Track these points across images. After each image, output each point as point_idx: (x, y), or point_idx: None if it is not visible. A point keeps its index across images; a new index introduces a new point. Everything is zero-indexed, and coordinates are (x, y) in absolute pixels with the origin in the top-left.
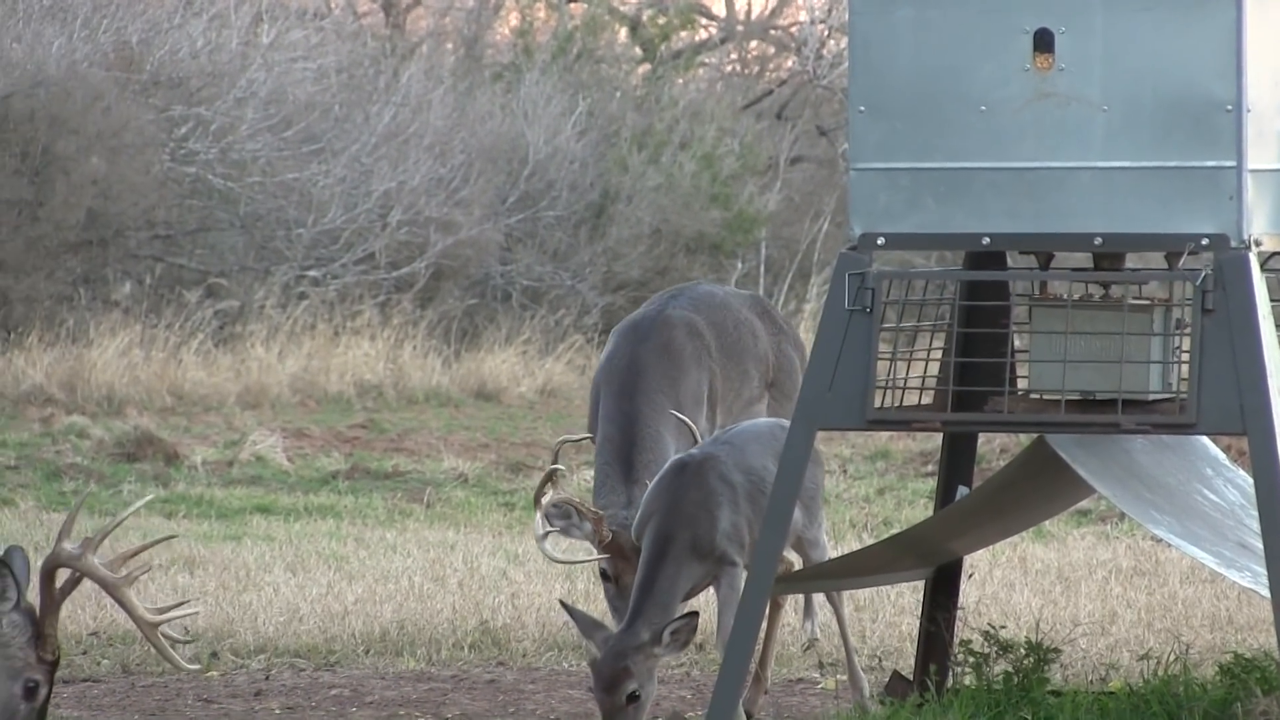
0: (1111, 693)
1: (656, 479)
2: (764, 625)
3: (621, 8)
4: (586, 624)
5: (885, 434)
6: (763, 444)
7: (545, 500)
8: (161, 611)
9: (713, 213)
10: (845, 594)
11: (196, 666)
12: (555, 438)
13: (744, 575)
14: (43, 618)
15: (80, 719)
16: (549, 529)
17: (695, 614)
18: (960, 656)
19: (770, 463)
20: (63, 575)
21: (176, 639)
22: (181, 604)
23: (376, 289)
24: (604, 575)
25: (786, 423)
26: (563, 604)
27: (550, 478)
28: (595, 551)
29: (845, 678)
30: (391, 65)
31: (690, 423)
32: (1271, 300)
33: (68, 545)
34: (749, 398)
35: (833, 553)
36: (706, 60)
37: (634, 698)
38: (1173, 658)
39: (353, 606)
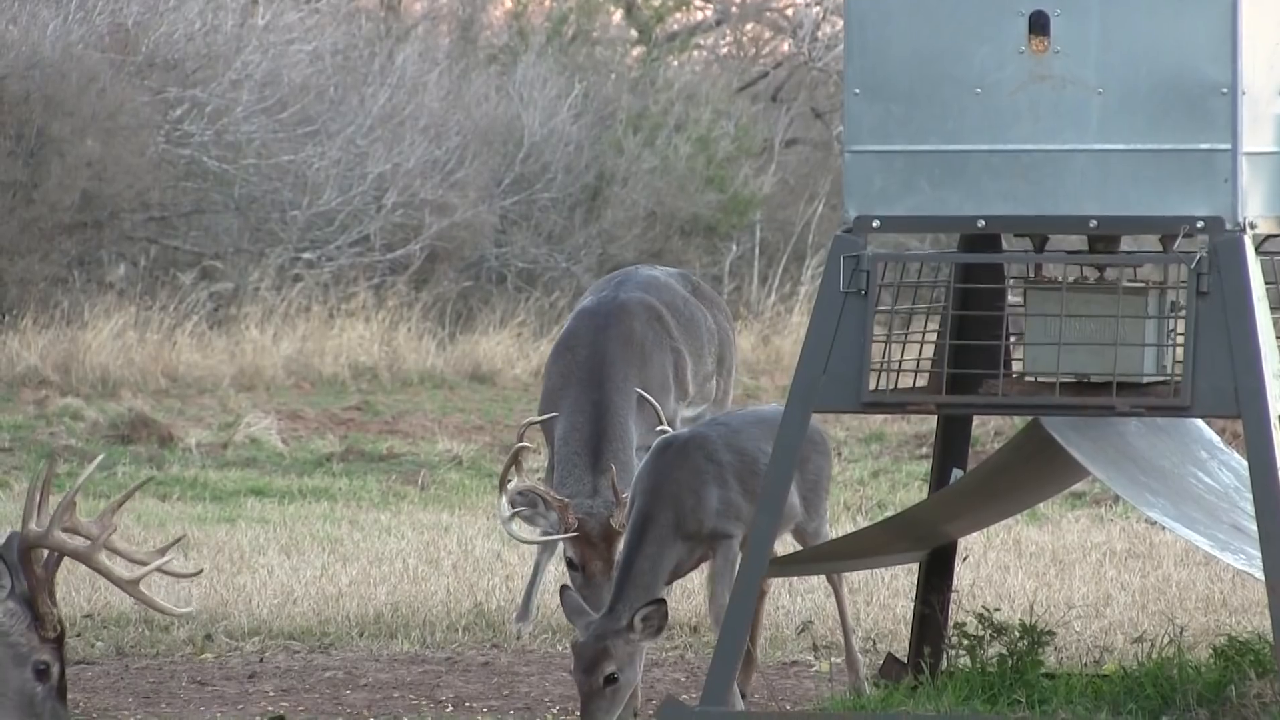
0: (1105, 675)
1: (643, 462)
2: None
3: None
4: (573, 608)
5: (880, 416)
6: (762, 428)
7: (511, 486)
8: (150, 560)
9: (708, 195)
10: (842, 576)
11: (189, 609)
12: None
13: (738, 548)
14: (34, 597)
15: (75, 701)
16: (514, 511)
17: (663, 601)
18: (954, 639)
19: (767, 445)
20: (44, 553)
21: (180, 574)
22: (165, 554)
23: (371, 271)
24: (570, 564)
25: None
26: (563, 588)
27: (516, 457)
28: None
29: (840, 660)
30: (387, 47)
31: (655, 403)
32: (1266, 283)
33: (33, 524)
34: (705, 374)
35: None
36: (702, 43)
37: (611, 680)
38: (1167, 640)
39: (347, 589)
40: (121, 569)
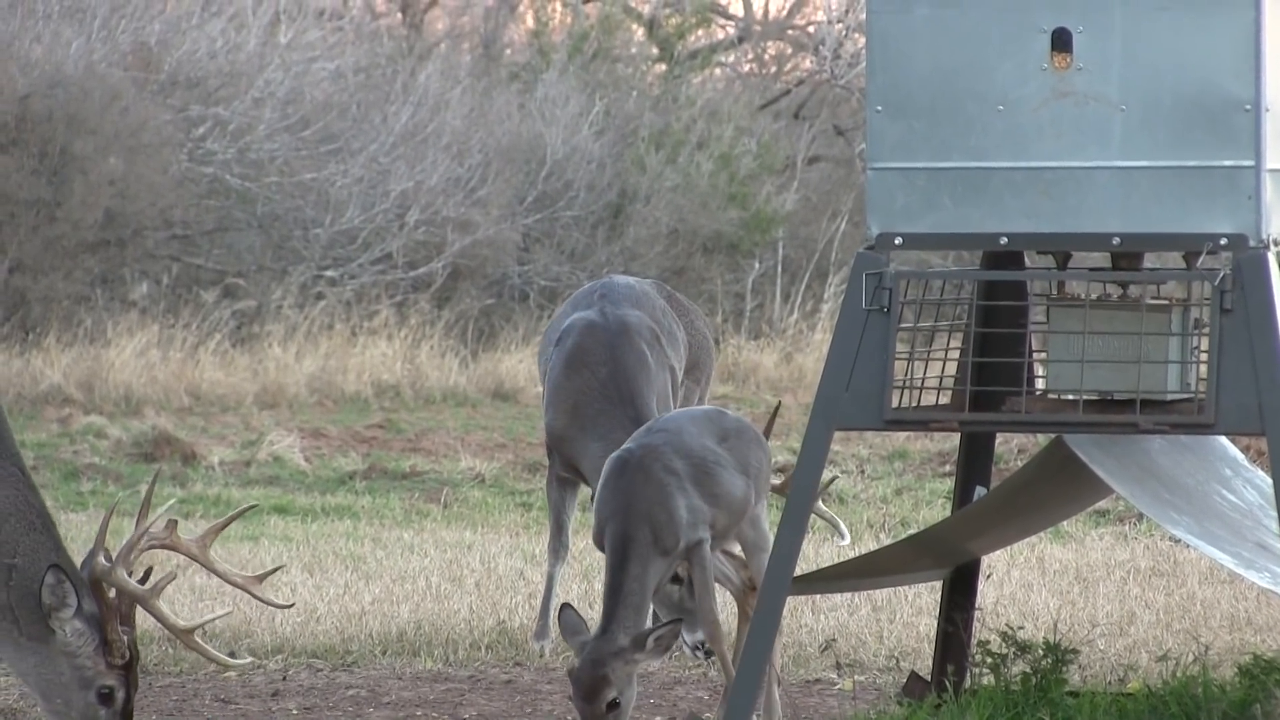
0: (1130, 694)
1: (601, 482)
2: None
3: (637, 7)
4: (570, 628)
5: (903, 434)
6: (699, 426)
7: None
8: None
9: (730, 212)
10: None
11: (249, 660)
12: None
13: (709, 549)
14: (103, 625)
15: None
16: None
17: (679, 621)
18: (978, 657)
19: (710, 442)
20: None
21: (275, 604)
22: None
23: (394, 289)
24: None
25: (721, 409)
26: (564, 606)
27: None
28: None
29: (863, 679)
30: (409, 65)
31: None
32: None
33: (101, 560)
34: (678, 382)
35: (851, 553)
36: (723, 60)
37: (614, 705)
38: (1191, 659)
39: (370, 607)
40: (177, 618)
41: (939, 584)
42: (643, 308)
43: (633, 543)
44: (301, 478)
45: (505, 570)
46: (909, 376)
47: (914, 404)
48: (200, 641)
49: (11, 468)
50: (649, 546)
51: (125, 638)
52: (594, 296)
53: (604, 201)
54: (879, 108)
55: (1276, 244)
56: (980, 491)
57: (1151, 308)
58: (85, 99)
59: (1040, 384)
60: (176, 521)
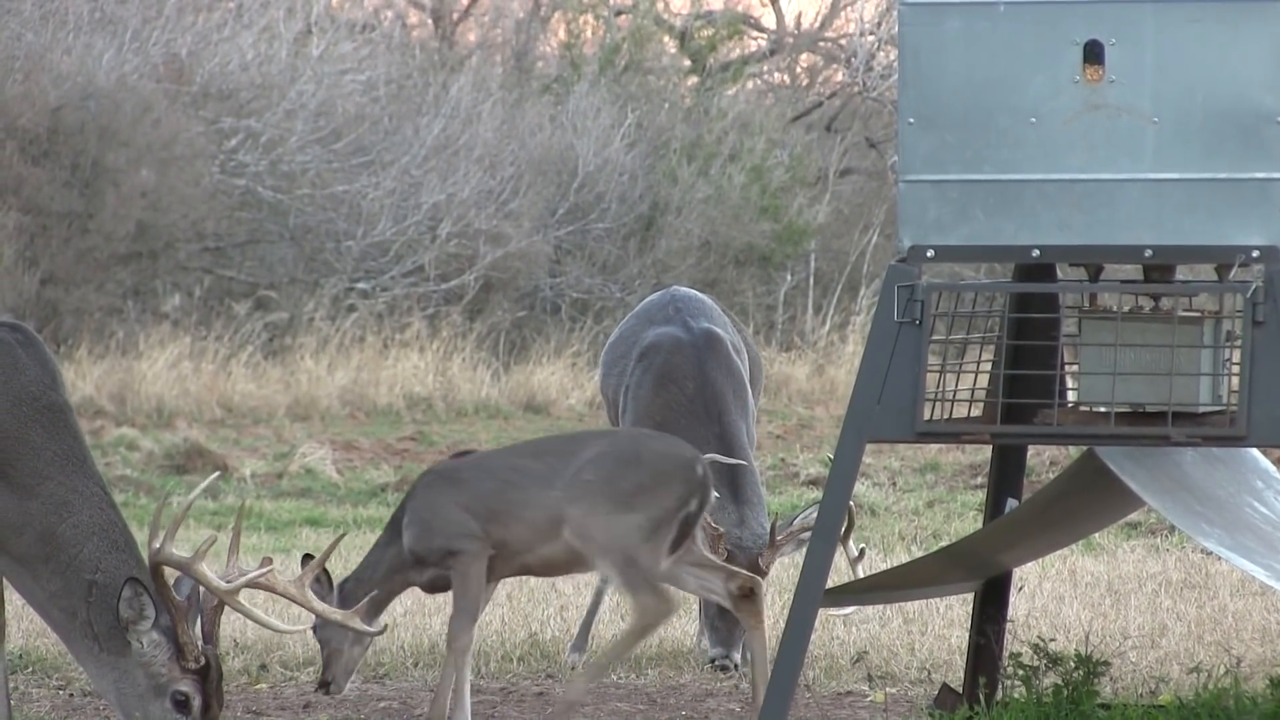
0: (1161, 706)
1: None
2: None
3: (669, 19)
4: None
5: (934, 446)
6: (531, 447)
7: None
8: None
9: (762, 224)
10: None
11: (301, 627)
12: None
13: (470, 565)
14: (174, 625)
15: None
16: None
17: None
18: (1009, 669)
19: (525, 461)
20: (189, 581)
21: (368, 631)
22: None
23: (425, 301)
24: None
25: (653, 433)
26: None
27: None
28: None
29: (895, 691)
30: (440, 78)
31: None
32: None
33: (154, 543)
34: (748, 395)
35: (882, 565)
36: (755, 72)
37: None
38: (1223, 671)
39: (402, 619)
40: (219, 581)
41: (970, 596)
42: (716, 320)
43: (387, 530)
44: (333, 490)
45: (537, 582)
46: (941, 389)
47: (946, 416)
48: (243, 602)
49: (94, 487)
50: (392, 534)
51: (200, 646)
52: (669, 310)
53: (636, 214)
54: (911, 120)
55: None
56: (1012, 504)
57: (1183, 320)
58: (117, 111)
59: (1072, 396)
60: (272, 559)
